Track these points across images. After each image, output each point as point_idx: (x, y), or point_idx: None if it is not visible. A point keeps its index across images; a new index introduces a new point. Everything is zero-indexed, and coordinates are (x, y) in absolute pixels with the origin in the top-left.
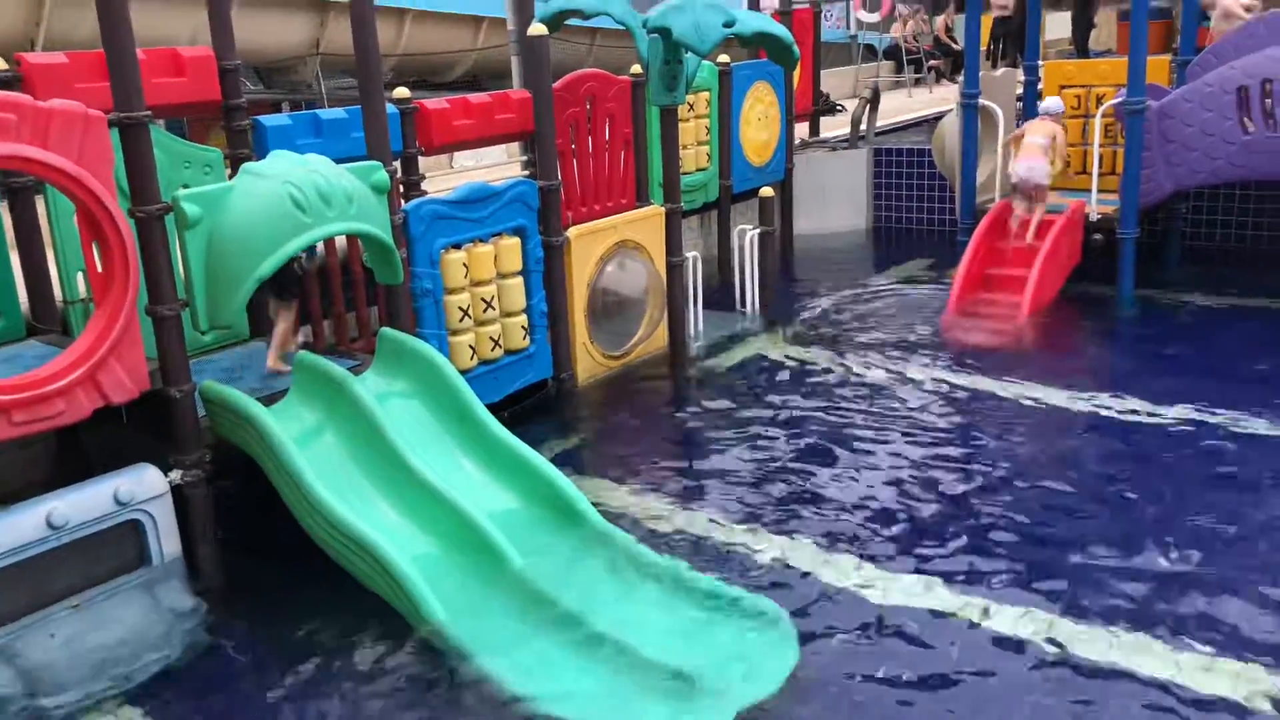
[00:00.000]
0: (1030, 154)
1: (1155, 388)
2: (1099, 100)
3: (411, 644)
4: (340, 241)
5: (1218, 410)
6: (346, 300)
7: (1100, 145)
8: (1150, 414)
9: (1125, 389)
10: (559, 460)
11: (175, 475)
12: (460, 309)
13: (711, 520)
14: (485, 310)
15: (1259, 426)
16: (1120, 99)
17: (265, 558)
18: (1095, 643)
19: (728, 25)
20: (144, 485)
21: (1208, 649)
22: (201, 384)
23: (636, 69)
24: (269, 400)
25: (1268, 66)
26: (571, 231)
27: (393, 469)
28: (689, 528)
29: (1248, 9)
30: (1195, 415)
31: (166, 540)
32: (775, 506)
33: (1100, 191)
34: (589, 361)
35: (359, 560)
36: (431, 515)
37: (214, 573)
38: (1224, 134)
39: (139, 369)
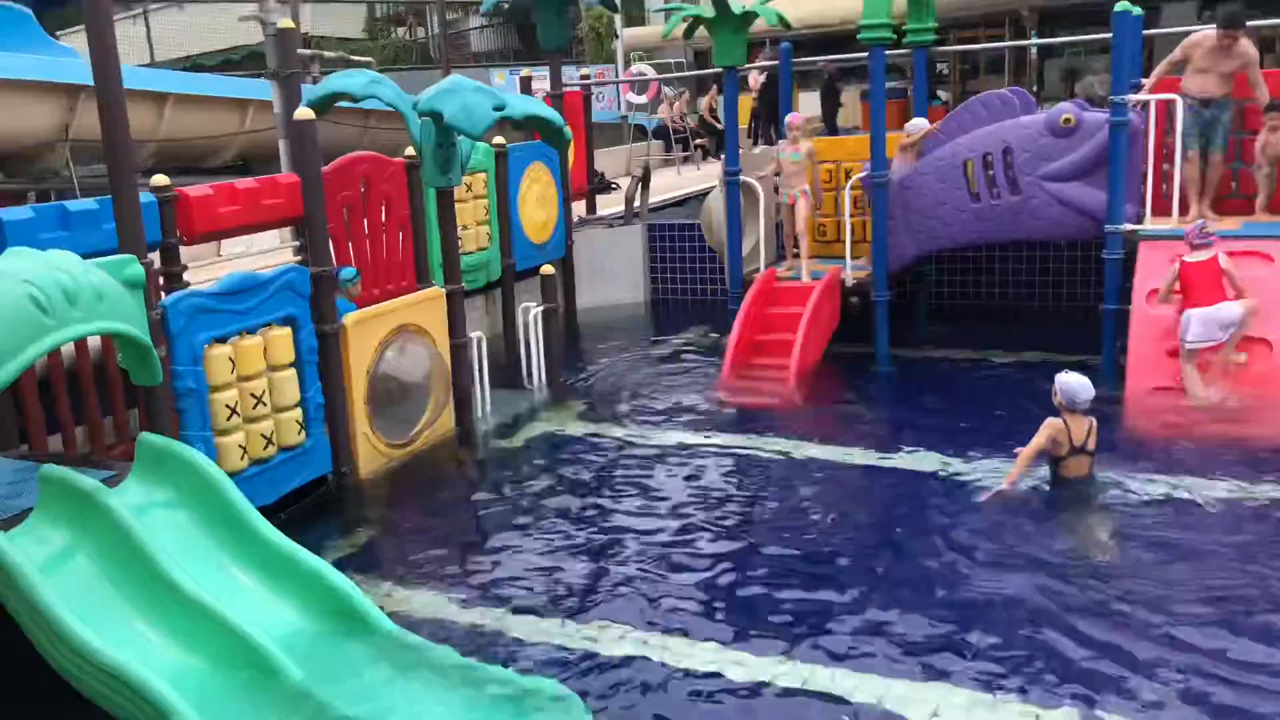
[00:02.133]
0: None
1: (910, 439)
2: (848, 174)
3: None
4: (94, 341)
5: (973, 454)
6: (103, 403)
7: (851, 215)
8: (908, 463)
9: (883, 442)
10: (342, 562)
11: None
12: (228, 407)
13: (507, 610)
14: (256, 406)
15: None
16: (865, 173)
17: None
18: (871, 689)
19: (498, 109)
20: None
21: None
22: None
23: (411, 151)
24: (8, 523)
25: (987, 141)
26: (347, 318)
27: (154, 588)
28: (484, 621)
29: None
30: (946, 461)
31: None
32: (572, 591)
33: (854, 258)
34: (372, 452)
35: (115, 693)
36: (198, 634)
37: None
38: (956, 203)
39: None
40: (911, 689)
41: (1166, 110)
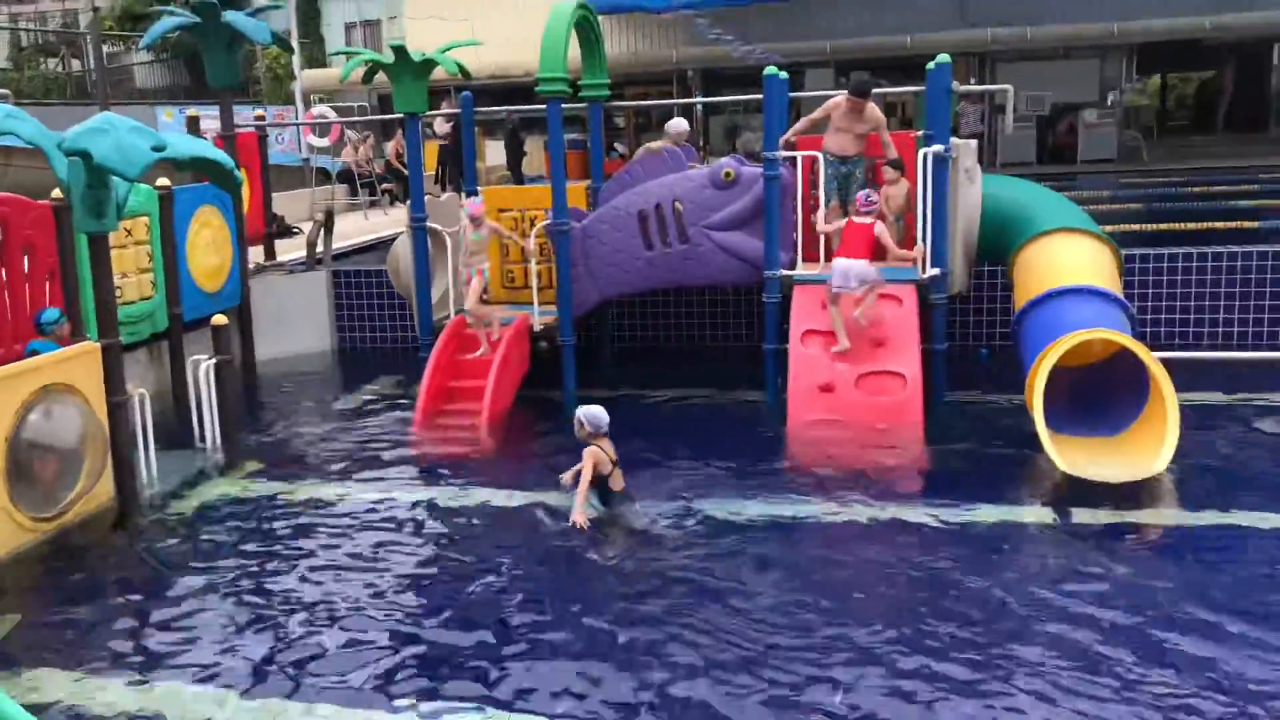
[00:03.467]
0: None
1: None
2: (533, 222)
3: None
4: None
5: (652, 497)
6: None
7: (538, 262)
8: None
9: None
10: None
11: None
12: None
13: (168, 690)
14: None
15: (679, 505)
16: (549, 221)
17: None
18: None
19: (157, 149)
20: None
21: None
22: None
23: (58, 193)
24: None
25: (658, 193)
26: None
27: None
28: (146, 705)
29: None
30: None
31: None
32: (249, 666)
33: (541, 304)
34: (11, 528)
35: None
36: None
37: None
38: (632, 251)
39: None
40: None
41: (811, 166)
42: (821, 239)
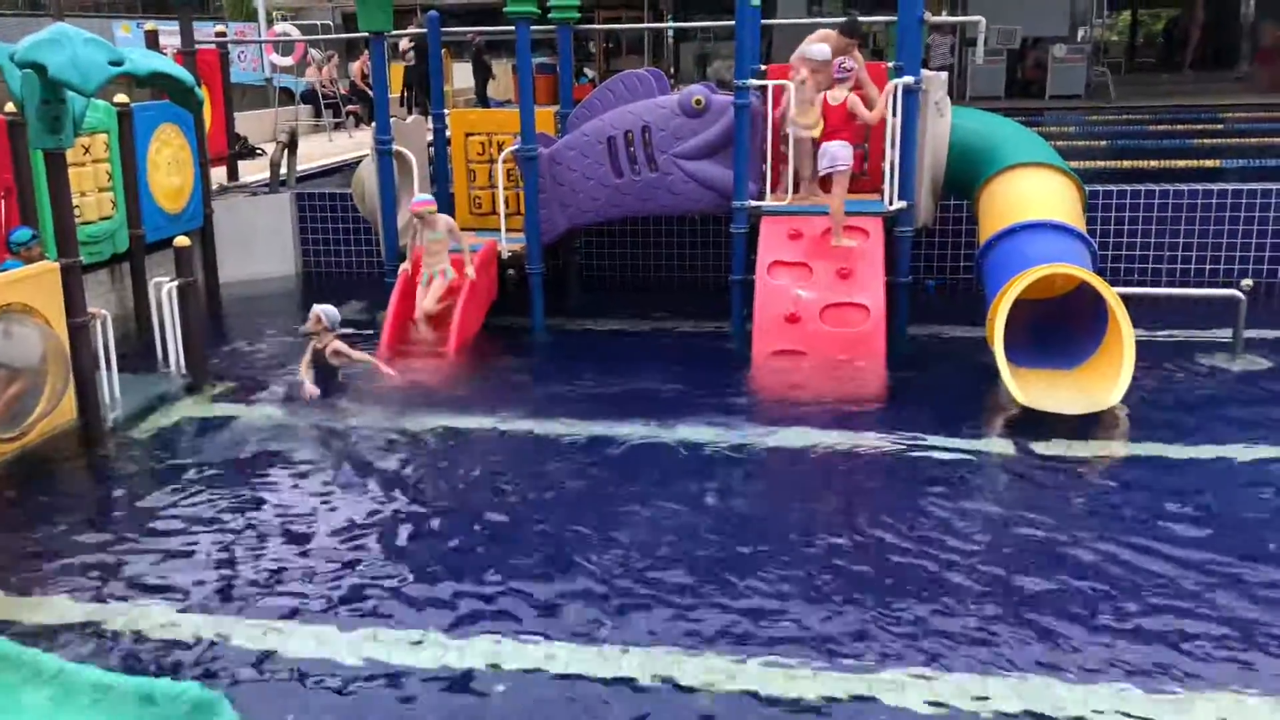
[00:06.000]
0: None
1: (569, 408)
2: (500, 146)
3: None
4: None
5: (621, 422)
6: None
7: (505, 188)
8: (571, 433)
9: (545, 411)
10: None
11: None
12: None
13: (142, 610)
14: None
15: (647, 431)
16: (517, 146)
17: None
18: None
19: (115, 64)
20: None
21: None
22: None
23: (11, 108)
24: None
25: (627, 119)
26: None
27: None
28: (115, 624)
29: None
30: (603, 430)
31: None
32: (225, 584)
33: (509, 230)
34: None
35: None
36: None
37: None
38: (600, 178)
39: None
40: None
41: (781, 95)
42: (790, 168)
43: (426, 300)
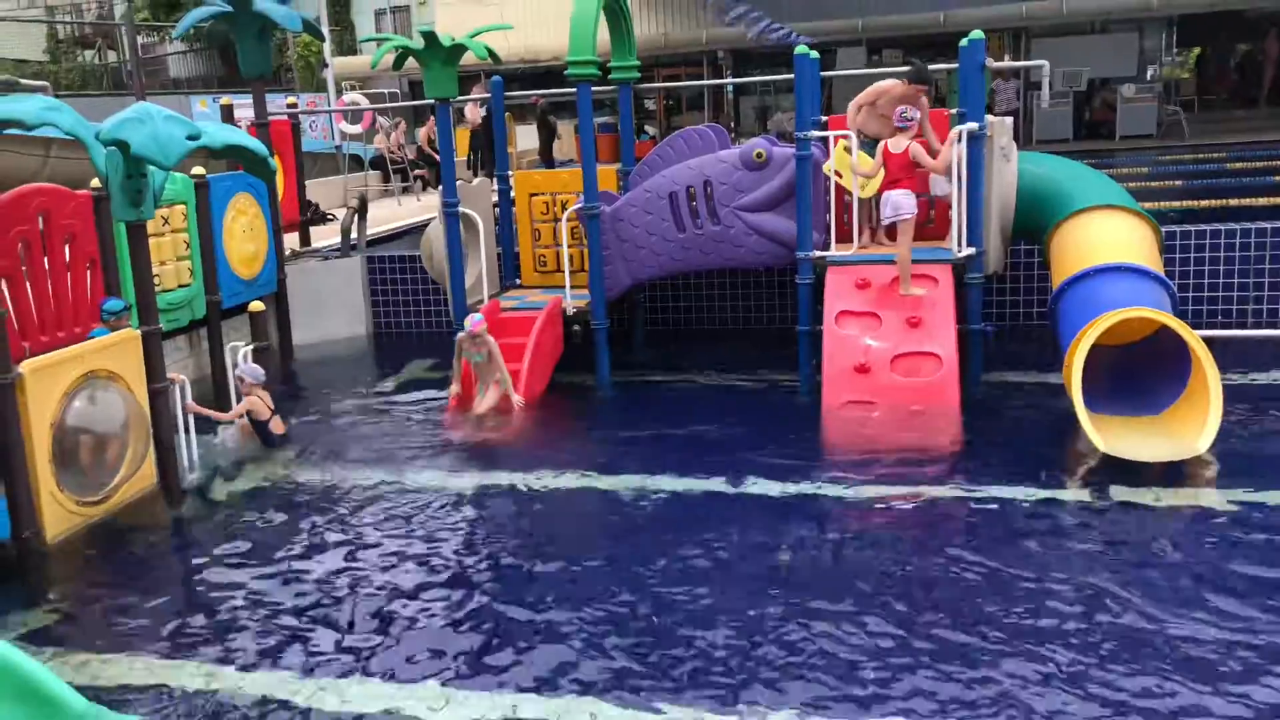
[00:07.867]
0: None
1: (637, 462)
2: (564, 206)
3: None
4: None
5: (689, 476)
6: None
7: (569, 246)
8: (638, 487)
9: (613, 466)
10: (30, 637)
11: None
12: None
13: (227, 671)
14: None
15: (717, 485)
16: (580, 205)
17: None
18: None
19: (192, 138)
20: None
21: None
22: None
23: (96, 183)
24: None
25: (689, 174)
26: (25, 366)
27: None
28: (200, 684)
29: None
30: (674, 483)
31: None
32: (304, 647)
33: (573, 287)
34: (60, 513)
35: None
36: None
37: None
38: (663, 233)
39: None
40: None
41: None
42: (855, 216)
43: (481, 406)
